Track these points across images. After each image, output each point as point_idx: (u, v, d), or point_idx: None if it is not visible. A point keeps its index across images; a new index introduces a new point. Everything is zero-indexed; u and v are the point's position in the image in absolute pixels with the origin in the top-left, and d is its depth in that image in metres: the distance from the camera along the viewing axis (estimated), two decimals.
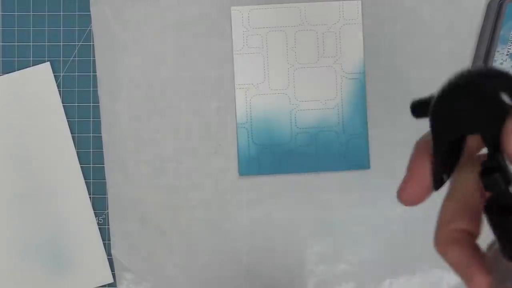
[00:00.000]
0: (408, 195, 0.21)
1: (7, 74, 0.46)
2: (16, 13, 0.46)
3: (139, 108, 0.46)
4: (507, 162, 0.18)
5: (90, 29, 0.46)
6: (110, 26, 0.46)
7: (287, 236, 0.46)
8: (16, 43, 0.46)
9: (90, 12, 0.46)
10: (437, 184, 0.21)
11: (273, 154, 0.45)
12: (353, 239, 0.45)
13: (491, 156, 0.19)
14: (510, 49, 0.43)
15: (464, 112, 0.19)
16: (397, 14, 0.45)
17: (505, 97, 0.18)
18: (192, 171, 0.46)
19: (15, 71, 0.46)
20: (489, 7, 0.44)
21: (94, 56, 0.46)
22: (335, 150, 0.45)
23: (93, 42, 0.46)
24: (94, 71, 0.46)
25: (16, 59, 0.46)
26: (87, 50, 0.46)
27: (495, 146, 0.18)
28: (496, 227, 0.18)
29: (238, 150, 0.45)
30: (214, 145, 0.46)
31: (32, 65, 0.46)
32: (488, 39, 0.44)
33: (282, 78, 0.46)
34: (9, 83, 0.46)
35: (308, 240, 0.45)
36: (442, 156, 0.20)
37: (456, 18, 0.45)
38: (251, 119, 0.45)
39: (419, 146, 0.21)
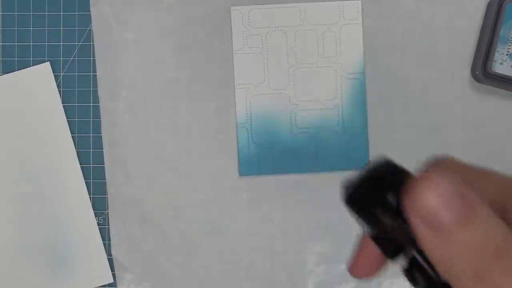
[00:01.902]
0: (357, 270, 0.21)
1: (7, 74, 0.46)
2: (16, 13, 0.46)
3: (139, 108, 0.46)
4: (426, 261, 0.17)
5: (90, 29, 0.46)
6: (110, 26, 0.46)
7: (287, 236, 0.45)
8: (16, 43, 0.46)
9: (90, 12, 0.46)
10: (391, 254, 0.20)
11: (273, 154, 0.45)
12: (353, 239, 0.45)
13: (410, 257, 0.18)
14: (510, 49, 0.43)
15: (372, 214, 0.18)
16: (397, 14, 0.45)
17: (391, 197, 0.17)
18: (192, 171, 0.46)
19: (15, 71, 0.46)
20: (489, 7, 0.44)
21: (94, 56, 0.46)
22: (335, 150, 0.45)
23: (93, 42, 0.46)
24: (94, 71, 0.46)
25: (16, 59, 0.46)
26: (87, 50, 0.46)
27: (410, 242, 0.18)
28: None
29: (238, 150, 0.45)
30: (214, 145, 0.46)
31: (32, 65, 0.46)
32: (488, 39, 0.44)
33: (282, 78, 0.46)
34: (9, 83, 0.46)
35: (308, 240, 0.45)
36: (380, 241, 0.20)
37: (456, 18, 0.45)
38: (251, 119, 0.45)
39: None
